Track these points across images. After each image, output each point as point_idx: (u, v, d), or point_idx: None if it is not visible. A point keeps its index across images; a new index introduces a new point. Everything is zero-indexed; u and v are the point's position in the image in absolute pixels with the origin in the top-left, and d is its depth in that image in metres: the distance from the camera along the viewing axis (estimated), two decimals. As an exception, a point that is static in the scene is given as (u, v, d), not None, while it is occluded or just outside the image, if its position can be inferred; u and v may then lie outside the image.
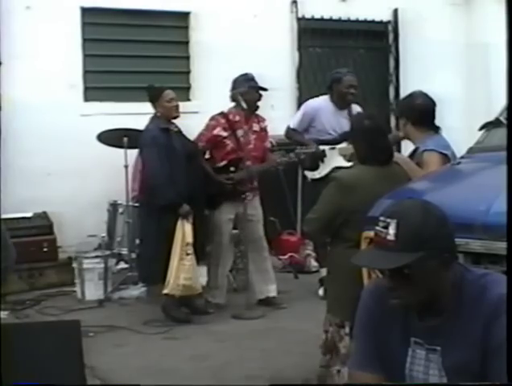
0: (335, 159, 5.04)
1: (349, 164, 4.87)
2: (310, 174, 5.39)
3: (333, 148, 5.18)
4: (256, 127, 5.34)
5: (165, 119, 5.04)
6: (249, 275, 5.32)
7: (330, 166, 5.12)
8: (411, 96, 3.63)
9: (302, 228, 6.78)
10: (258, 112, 5.38)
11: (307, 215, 3.27)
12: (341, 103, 5.41)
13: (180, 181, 4.86)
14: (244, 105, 5.19)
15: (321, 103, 5.50)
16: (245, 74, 5.33)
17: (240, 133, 5.24)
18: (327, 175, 4.97)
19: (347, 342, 3.03)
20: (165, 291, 4.83)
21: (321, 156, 5.21)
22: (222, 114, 5.27)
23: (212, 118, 5.28)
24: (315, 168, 5.22)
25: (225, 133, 5.20)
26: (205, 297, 5.24)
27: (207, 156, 5.30)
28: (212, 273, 5.28)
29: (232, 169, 5.18)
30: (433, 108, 3.56)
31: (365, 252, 2.20)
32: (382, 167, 3.11)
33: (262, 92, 5.30)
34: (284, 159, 5.31)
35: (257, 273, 5.34)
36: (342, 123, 5.30)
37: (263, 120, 5.42)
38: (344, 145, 5.09)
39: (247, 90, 5.22)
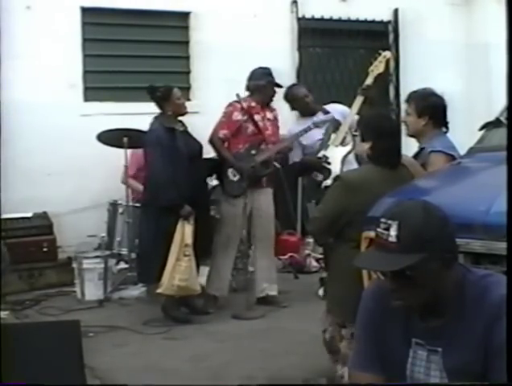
0: (336, 153, 5.13)
1: (348, 147, 4.94)
2: (329, 182, 5.35)
3: (327, 146, 5.23)
4: (269, 116, 5.45)
5: (175, 117, 5.07)
6: (253, 272, 5.35)
7: (338, 161, 5.15)
8: (430, 93, 3.62)
9: (303, 228, 6.81)
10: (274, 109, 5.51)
11: (311, 214, 3.28)
12: (309, 112, 5.46)
13: (183, 182, 4.86)
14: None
15: (295, 126, 5.55)
16: (265, 68, 5.42)
17: (257, 117, 5.32)
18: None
19: (348, 343, 3.03)
20: (159, 290, 4.83)
21: (324, 160, 5.23)
22: (237, 101, 5.33)
23: (229, 105, 5.36)
24: (329, 175, 5.21)
25: (243, 117, 5.27)
26: (207, 291, 5.22)
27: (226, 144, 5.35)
28: (216, 263, 5.28)
29: (253, 152, 5.21)
30: (446, 105, 3.60)
31: (367, 254, 2.19)
32: (390, 169, 3.10)
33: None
34: (302, 129, 5.32)
35: (260, 271, 5.37)
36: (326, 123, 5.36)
37: (274, 109, 5.52)
38: (333, 136, 5.18)
39: (265, 84, 5.33)
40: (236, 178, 5.24)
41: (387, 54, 5.07)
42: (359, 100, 5.02)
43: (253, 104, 5.34)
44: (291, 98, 5.56)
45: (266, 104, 5.41)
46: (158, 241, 4.85)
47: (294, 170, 5.57)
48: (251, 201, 5.26)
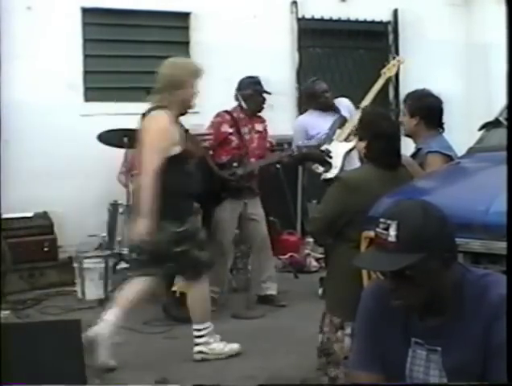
0: (340, 148, 5.16)
1: (352, 143, 4.96)
2: (329, 174, 5.38)
3: (331, 140, 5.26)
4: (259, 127, 5.45)
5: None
6: (251, 273, 5.37)
7: (340, 156, 5.18)
8: (423, 94, 3.64)
9: (303, 228, 6.82)
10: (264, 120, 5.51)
11: (311, 214, 3.28)
12: (323, 108, 5.49)
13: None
14: (244, 105, 5.28)
15: (307, 115, 5.61)
16: (252, 77, 5.43)
17: (244, 130, 5.33)
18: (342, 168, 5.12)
19: (344, 344, 3.03)
20: (174, 288, 4.85)
21: (326, 154, 5.25)
22: (227, 111, 5.34)
23: (218, 115, 5.35)
24: (330, 168, 5.24)
25: (230, 130, 5.28)
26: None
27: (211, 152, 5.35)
28: (213, 270, 5.30)
29: (235, 164, 5.22)
30: (442, 107, 3.60)
31: (367, 254, 2.19)
32: (390, 170, 3.11)
33: (265, 94, 5.40)
34: (286, 154, 5.35)
35: (259, 271, 5.39)
36: (333, 119, 5.40)
37: (264, 120, 5.52)
38: (338, 131, 5.21)
39: (251, 93, 5.32)
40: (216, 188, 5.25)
41: (401, 58, 5.12)
42: (357, 114, 5.09)
43: (241, 115, 5.33)
44: (309, 93, 5.58)
45: (255, 113, 5.40)
46: None
47: (295, 159, 5.58)
48: (239, 208, 5.26)
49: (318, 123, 5.40)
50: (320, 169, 5.21)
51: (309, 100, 5.64)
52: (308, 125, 5.42)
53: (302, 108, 6.60)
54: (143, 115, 4.09)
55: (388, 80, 7.87)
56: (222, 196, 5.23)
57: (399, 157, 3.21)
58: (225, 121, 5.29)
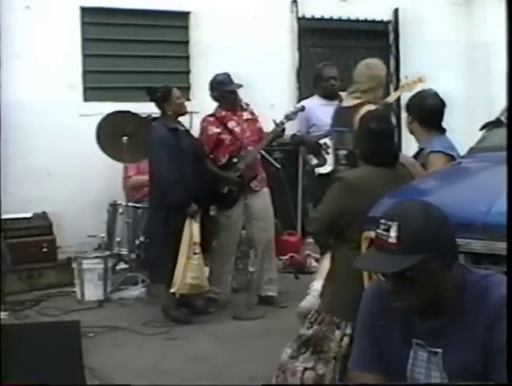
0: None
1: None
2: (322, 170, 5.36)
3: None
4: (245, 115, 5.41)
5: (175, 117, 5.07)
6: (252, 273, 5.36)
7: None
8: (422, 95, 3.63)
9: (303, 228, 6.81)
10: (247, 105, 5.48)
11: (311, 215, 3.27)
12: (329, 96, 5.46)
13: (189, 180, 4.87)
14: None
15: (311, 101, 5.56)
16: (219, 75, 5.36)
17: (232, 124, 5.30)
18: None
19: (343, 343, 3.02)
20: (172, 290, 4.84)
21: (324, 149, 5.23)
22: (210, 114, 5.36)
23: (203, 120, 5.38)
24: (323, 163, 5.22)
25: (217, 130, 5.27)
26: (209, 295, 5.23)
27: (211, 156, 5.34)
28: (217, 270, 5.29)
29: (234, 160, 5.21)
30: (442, 109, 3.57)
31: (367, 256, 2.18)
32: (388, 169, 3.09)
33: (240, 83, 5.37)
34: (276, 129, 5.30)
35: (261, 273, 5.38)
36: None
37: (247, 105, 5.47)
38: None
39: (220, 94, 5.31)
40: (225, 191, 5.24)
41: (423, 77, 5.02)
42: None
43: (223, 113, 5.32)
44: (316, 75, 5.55)
45: (234, 108, 5.35)
46: (170, 241, 4.87)
47: (292, 143, 5.56)
48: (247, 206, 5.25)
49: (320, 112, 5.34)
50: (314, 161, 5.20)
51: (315, 82, 5.60)
52: (310, 112, 5.38)
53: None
54: (348, 108, 4.36)
55: (388, 80, 7.92)
56: (233, 196, 5.22)
57: (395, 155, 3.19)
58: (210, 123, 5.29)
